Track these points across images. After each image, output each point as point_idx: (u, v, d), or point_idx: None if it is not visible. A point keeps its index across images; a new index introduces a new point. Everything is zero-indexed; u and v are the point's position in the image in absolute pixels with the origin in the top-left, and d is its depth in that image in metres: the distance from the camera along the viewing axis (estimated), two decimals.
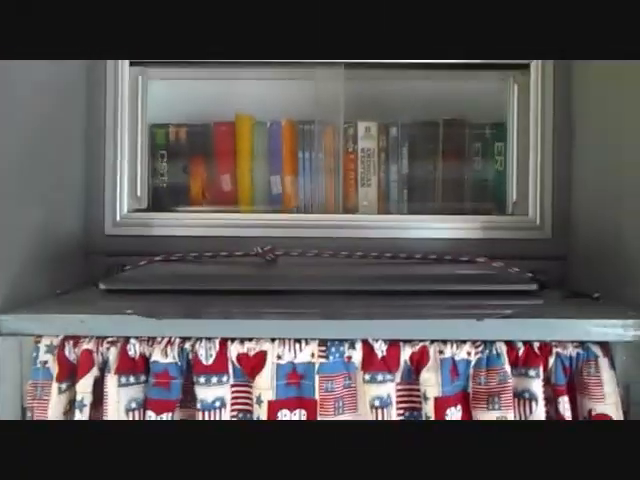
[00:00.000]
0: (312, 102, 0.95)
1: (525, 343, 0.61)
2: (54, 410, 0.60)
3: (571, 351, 0.61)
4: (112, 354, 0.60)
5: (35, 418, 0.60)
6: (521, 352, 0.60)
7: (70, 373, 0.61)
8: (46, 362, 0.61)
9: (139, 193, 0.92)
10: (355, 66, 0.92)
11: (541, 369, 0.60)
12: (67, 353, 0.61)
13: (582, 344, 0.61)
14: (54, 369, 0.61)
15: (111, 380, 0.60)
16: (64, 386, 0.61)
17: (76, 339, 0.61)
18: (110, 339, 0.61)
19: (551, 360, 0.60)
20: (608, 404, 0.61)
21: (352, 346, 0.60)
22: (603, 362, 0.61)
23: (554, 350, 0.61)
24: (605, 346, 0.62)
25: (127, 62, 0.90)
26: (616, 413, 0.61)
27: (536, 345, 0.60)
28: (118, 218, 0.90)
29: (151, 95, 0.93)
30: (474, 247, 0.87)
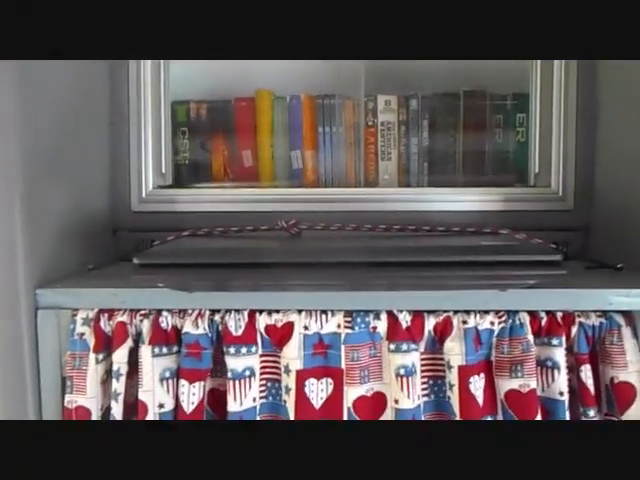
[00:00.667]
0: (332, 76, 0.95)
1: (548, 313, 0.61)
2: (92, 379, 0.63)
3: (594, 321, 0.61)
4: (145, 326, 0.62)
5: (74, 387, 0.63)
6: (544, 322, 0.61)
7: (106, 344, 0.63)
8: (83, 334, 0.63)
9: (164, 170, 0.93)
10: None
11: (564, 338, 0.61)
12: (102, 325, 0.63)
13: (605, 313, 0.61)
14: (91, 341, 0.63)
15: (145, 351, 0.62)
16: (101, 356, 0.63)
17: (110, 312, 0.63)
18: (143, 312, 0.63)
19: (574, 329, 0.61)
20: (630, 372, 0.61)
21: (377, 317, 0.62)
22: (626, 331, 0.62)
23: (577, 320, 0.61)
24: (628, 315, 0.62)
25: None
26: (638, 381, 0.62)
27: (559, 315, 0.61)
28: (144, 195, 0.92)
29: (171, 72, 0.93)
30: (496, 219, 0.87)
